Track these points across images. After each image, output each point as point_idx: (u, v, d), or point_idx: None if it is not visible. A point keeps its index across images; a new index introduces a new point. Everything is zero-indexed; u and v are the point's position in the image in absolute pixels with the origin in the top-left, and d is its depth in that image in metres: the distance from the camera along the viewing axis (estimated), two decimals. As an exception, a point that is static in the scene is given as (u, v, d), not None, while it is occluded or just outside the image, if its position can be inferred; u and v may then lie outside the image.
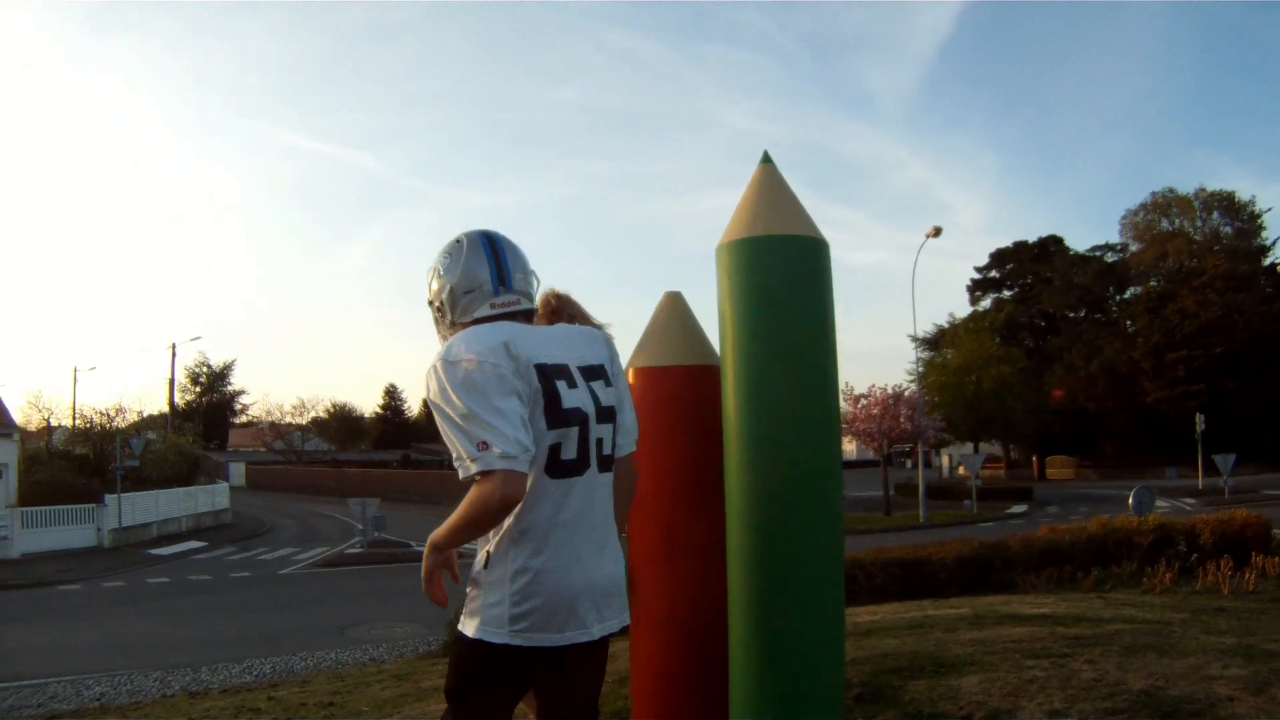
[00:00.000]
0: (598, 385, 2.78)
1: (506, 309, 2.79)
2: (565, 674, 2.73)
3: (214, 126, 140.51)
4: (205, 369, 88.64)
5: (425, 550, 2.67)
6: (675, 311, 4.41)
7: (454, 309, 2.83)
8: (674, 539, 4.12)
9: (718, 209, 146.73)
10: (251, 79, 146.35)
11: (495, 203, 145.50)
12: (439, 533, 2.63)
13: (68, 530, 30.68)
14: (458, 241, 2.87)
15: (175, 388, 60.87)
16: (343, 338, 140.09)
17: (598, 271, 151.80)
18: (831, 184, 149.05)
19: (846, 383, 47.74)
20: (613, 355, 2.93)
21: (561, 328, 2.96)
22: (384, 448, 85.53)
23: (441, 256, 2.88)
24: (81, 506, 31.66)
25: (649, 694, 4.27)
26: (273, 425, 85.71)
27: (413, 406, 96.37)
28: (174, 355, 58.27)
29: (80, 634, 17.30)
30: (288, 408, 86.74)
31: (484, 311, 2.78)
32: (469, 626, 2.67)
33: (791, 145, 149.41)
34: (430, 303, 2.93)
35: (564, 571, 2.61)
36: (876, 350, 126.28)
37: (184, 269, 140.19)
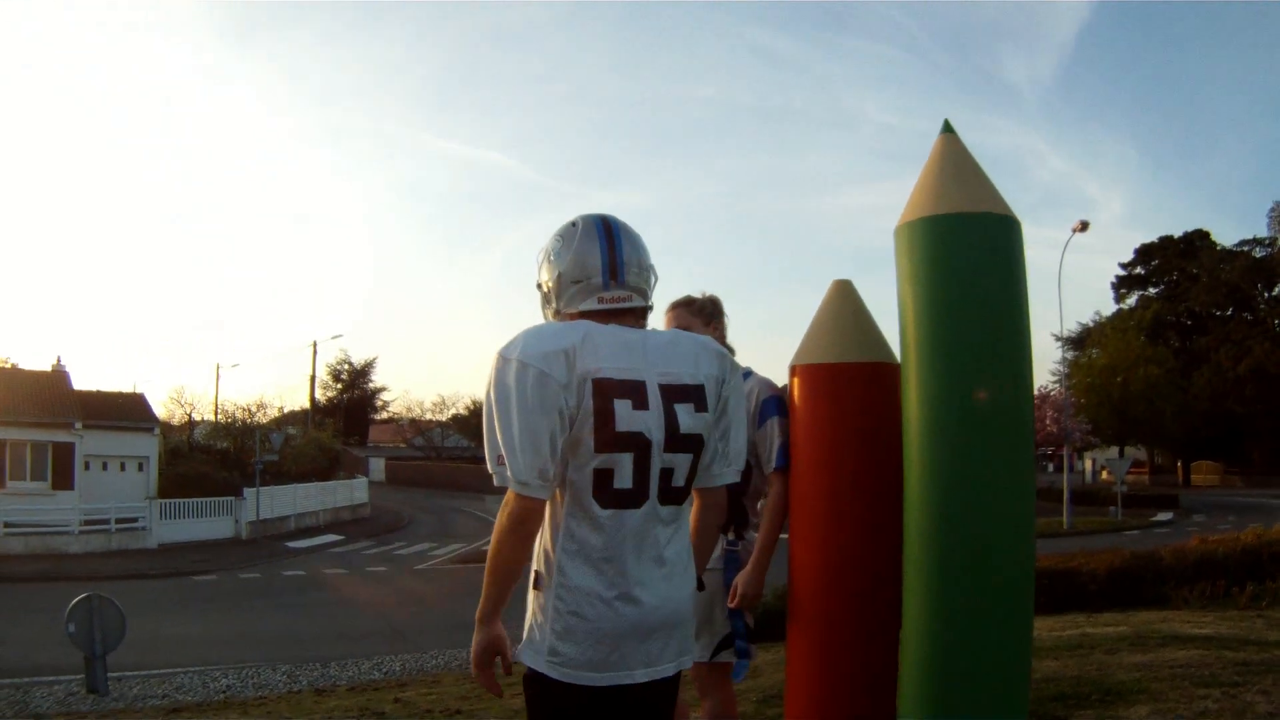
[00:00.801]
0: (684, 408, 2.46)
1: (616, 305, 2.53)
2: (607, 715, 2.41)
3: (354, 133, 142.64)
4: (346, 366, 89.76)
5: (475, 628, 2.47)
6: (846, 303, 3.99)
7: (560, 298, 2.58)
8: (842, 553, 3.76)
9: (859, 206, 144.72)
10: (389, 87, 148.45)
11: (635, 202, 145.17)
12: (481, 601, 2.46)
13: (206, 522, 31.26)
14: (573, 225, 2.61)
15: (317, 384, 61.63)
16: (484, 336, 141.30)
17: (740, 270, 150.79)
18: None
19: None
20: (724, 375, 2.59)
21: (668, 334, 2.67)
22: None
23: (554, 239, 2.64)
24: (220, 499, 32.31)
25: (802, 716, 3.92)
26: (413, 422, 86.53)
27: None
28: (315, 353, 58.89)
29: (213, 625, 17.55)
30: (428, 404, 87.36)
31: (590, 305, 2.52)
32: (519, 648, 2.47)
33: (929, 138, 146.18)
34: (538, 285, 2.68)
35: (609, 609, 2.37)
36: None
37: (327, 269, 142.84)
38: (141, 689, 11.56)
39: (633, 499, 2.39)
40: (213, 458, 40.61)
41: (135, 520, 29.43)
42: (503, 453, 2.32)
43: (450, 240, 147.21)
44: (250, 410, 52.46)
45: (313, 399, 60.92)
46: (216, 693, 11.40)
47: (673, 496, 2.48)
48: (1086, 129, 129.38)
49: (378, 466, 73.77)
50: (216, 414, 56.59)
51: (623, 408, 2.35)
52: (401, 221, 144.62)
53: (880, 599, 3.69)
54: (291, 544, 30.62)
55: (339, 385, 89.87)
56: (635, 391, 2.38)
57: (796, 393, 3.92)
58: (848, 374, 3.83)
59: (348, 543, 31.73)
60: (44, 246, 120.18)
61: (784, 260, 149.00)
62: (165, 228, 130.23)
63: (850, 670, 3.77)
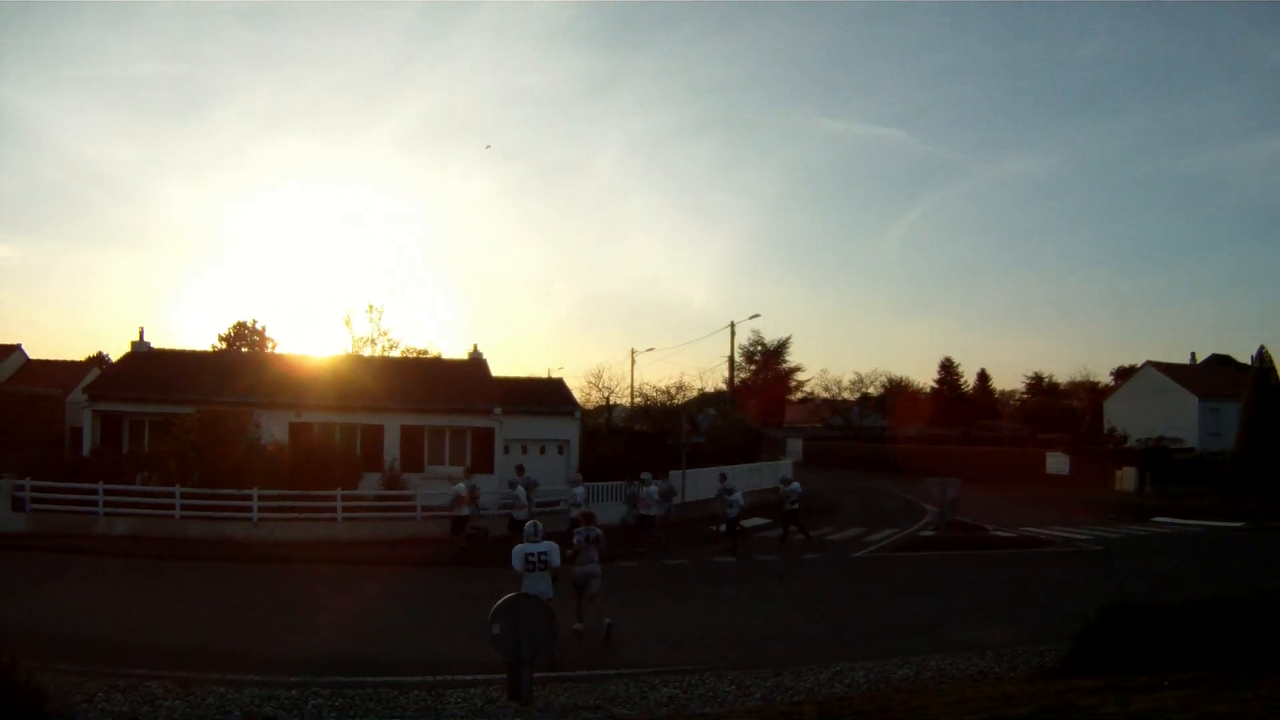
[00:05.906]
0: (543, 556, 13.77)
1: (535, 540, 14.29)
2: None
3: (748, 121, 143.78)
4: (760, 347, 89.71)
5: None
6: None
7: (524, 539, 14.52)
8: None
9: (1264, 157, 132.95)
10: (776, 71, 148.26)
11: (1032, 169, 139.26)
12: None
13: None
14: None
15: (733, 366, 60.37)
16: (896, 312, 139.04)
17: (1143, 237, 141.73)
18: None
19: None
20: (550, 550, 13.82)
21: (544, 544, 13.98)
22: (940, 423, 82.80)
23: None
24: (643, 482, 30.91)
25: None
26: (829, 401, 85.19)
27: (969, 380, 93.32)
28: (733, 334, 57.43)
29: (638, 617, 15.90)
30: (845, 383, 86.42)
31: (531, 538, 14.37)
32: None
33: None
34: None
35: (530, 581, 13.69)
36: None
37: (738, 252, 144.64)
38: (570, 696, 10.68)
39: (534, 567, 13.67)
40: (631, 440, 39.70)
41: (556, 503, 28.87)
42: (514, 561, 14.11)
43: (856, 217, 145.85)
44: (669, 393, 52.10)
45: (731, 380, 59.77)
46: (658, 704, 10.38)
47: (541, 567, 13.68)
48: None
49: (795, 446, 73.62)
50: (633, 397, 56.71)
51: (532, 557, 13.72)
52: (800, 202, 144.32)
53: None
54: (713, 527, 28.52)
55: (752, 366, 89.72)
56: (536, 551, 13.94)
57: None
58: None
59: (776, 526, 29.40)
60: (462, 242, 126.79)
61: (1188, 220, 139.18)
62: (573, 225, 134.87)
63: None
